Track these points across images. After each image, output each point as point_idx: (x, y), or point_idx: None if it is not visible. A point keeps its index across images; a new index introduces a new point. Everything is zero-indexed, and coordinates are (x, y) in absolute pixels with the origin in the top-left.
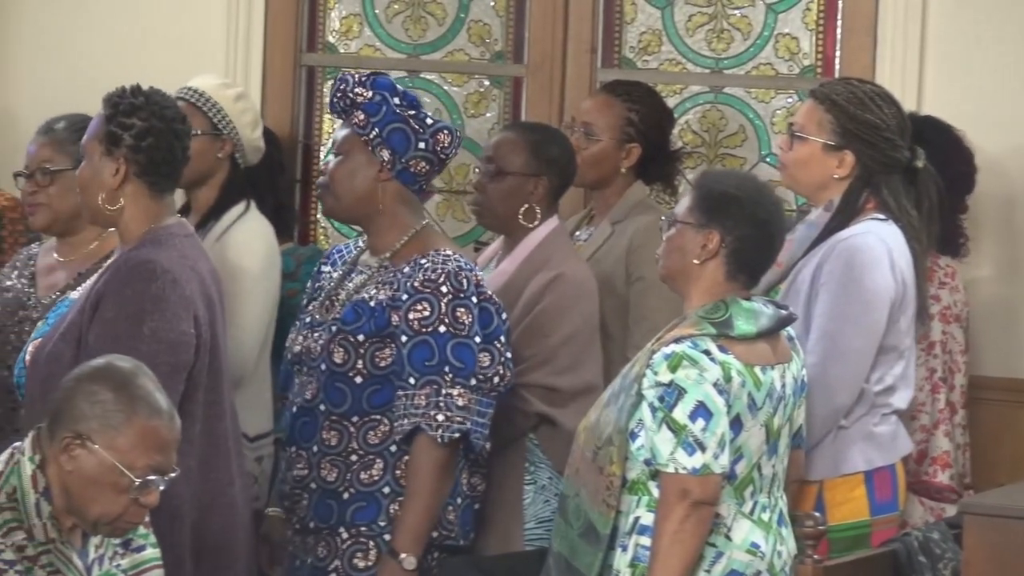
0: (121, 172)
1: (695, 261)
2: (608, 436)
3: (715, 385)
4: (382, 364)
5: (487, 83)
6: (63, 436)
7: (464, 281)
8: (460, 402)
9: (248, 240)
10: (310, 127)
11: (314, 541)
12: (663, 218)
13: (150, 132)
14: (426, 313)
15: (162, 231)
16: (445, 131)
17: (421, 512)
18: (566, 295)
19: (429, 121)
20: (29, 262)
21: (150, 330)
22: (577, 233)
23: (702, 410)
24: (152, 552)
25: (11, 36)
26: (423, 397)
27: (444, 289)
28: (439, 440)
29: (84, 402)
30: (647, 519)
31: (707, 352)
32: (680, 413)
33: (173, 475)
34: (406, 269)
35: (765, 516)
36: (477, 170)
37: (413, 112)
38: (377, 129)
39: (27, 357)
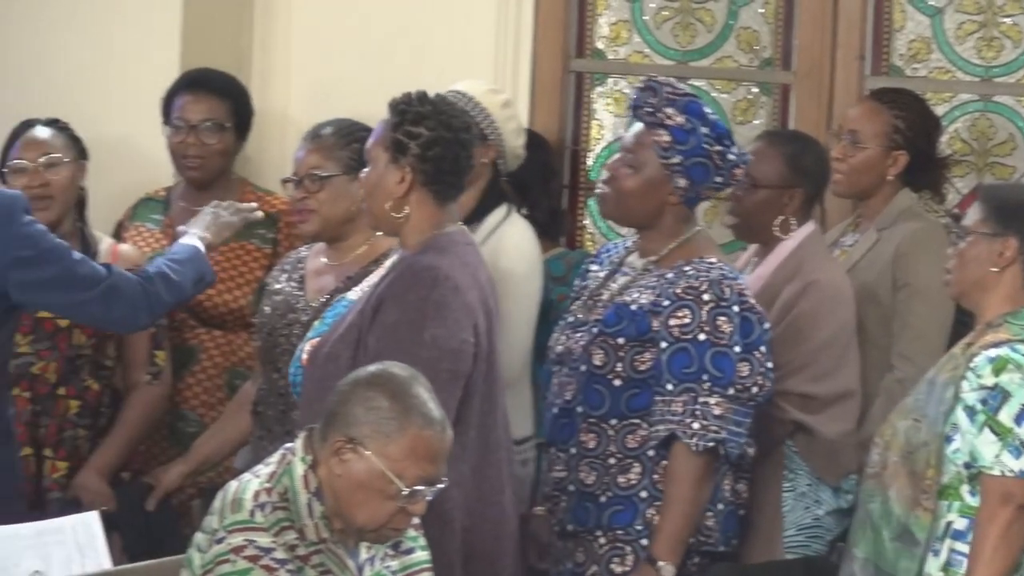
0: (407, 181)
1: (993, 270)
2: (923, 440)
3: None
4: (641, 368)
5: (755, 90)
6: (335, 440)
7: (726, 289)
8: (717, 411)
9: (515, 244)
10: (578, 133)
11: (573, 545)
12: (953, 232)
13: (437, 142)
14: (686, 320)
15: (444, 238)
16: (743, 166)
17: (679, 519)
18: (822, 301)
19: (731, 157)
20: (298, 265)
21: (431, 337)
22: (842, 239)
23: None
24: (422, 555)
25: (279, 38)
26: (680, 404)
27: (706, 297)
28: (694, 448)
29: (359, 407)
30: (960, 524)
31: None
32: (1005, 416)
33: (442, 485)
34: (669, 275)
35: None
36: None
37: (720, 148)
38: (681, 157)
39: (303, 356)
